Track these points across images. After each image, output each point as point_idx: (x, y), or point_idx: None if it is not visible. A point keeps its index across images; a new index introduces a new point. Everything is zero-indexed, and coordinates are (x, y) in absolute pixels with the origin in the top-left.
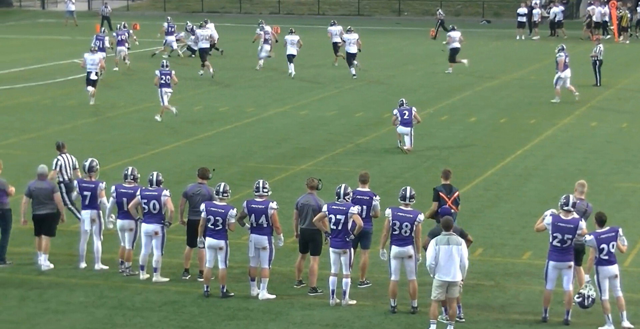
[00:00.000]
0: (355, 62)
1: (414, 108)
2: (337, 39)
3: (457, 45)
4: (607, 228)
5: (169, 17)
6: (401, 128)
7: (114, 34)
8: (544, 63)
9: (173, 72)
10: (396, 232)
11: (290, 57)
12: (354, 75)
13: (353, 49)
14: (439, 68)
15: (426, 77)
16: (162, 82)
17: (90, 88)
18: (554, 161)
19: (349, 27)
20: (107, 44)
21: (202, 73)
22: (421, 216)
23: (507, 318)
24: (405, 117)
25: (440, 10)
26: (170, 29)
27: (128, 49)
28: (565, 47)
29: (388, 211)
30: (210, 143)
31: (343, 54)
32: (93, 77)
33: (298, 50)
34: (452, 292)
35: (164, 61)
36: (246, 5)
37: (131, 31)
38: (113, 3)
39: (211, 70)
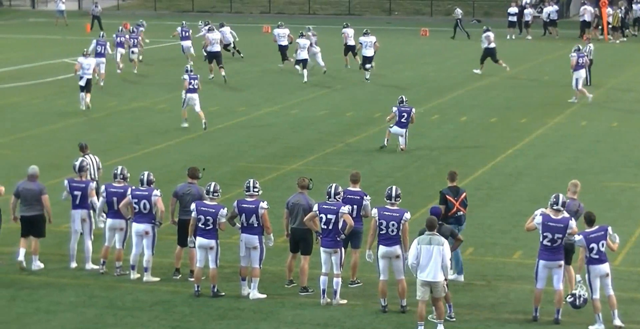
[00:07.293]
0: (370, 65)
1: (413, 109)
2: (352, 42)
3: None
4: (596, 227)
5: (183, 22)
6: (395, 129)
7: (114, 35)
8: (534, 62)
9: (199, 76)
10: (383, 231)
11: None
12: (367, 79)
13: (370, 52)
14: (430, 67)
15: (416, 77)
16: (190, 87)
17: (84, 95)
18: (545, 160)
19: (366, 29)
20: (108, 50)
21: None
22: (407, 215)
23: (497, 317)
24: (402, 120)
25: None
26: (184, 33)
27: (140, 46)
28: (580, 48)
29: (374, 211)
30: (201, 142)
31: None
32: (85, 82)
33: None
34: (437, 292)
35: (188, 66)
36: (237, 4)
37: (142, 28)
38: (103, 2)
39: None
